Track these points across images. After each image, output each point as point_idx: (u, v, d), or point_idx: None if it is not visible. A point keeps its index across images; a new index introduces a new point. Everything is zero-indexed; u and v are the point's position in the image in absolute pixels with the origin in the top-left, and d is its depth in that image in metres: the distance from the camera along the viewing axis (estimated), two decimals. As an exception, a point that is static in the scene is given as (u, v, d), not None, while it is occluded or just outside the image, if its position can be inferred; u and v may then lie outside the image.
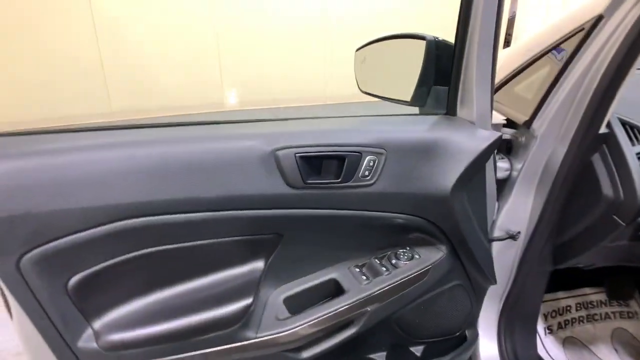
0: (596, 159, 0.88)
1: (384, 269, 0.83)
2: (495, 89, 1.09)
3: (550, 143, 0.90)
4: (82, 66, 3.83)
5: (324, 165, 0.72)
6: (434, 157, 0.77)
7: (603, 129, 0.84)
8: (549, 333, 1.29)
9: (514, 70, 1.00)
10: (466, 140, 0.77)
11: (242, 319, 0.73)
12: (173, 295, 0.70)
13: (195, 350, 0.72)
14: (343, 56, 4.23)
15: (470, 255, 0.87)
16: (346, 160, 0.72)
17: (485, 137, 0.78)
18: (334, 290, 0.82)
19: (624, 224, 0.86)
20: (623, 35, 0.73)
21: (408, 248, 0.86)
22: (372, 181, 0.74)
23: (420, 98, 0.86)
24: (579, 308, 1.36)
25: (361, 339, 0.94)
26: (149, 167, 0.62)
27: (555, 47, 0.85)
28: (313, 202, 0.72)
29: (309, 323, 0.76)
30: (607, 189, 0.87)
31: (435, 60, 0.82)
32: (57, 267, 0.62)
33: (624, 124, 0.89)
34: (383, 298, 0.82)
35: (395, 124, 0.81)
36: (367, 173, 0.73)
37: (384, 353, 0.99)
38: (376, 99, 0.99)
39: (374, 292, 0.80)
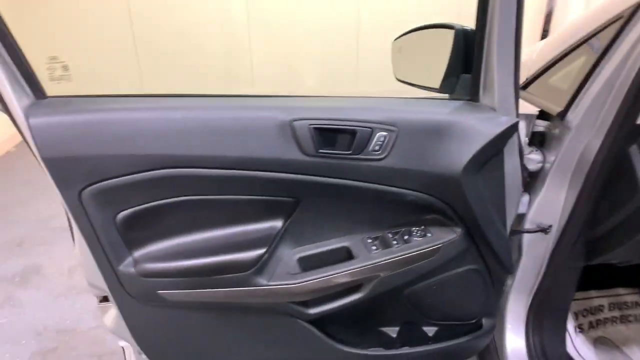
0: (634, 151, 0.89)
1: (395, 242, 0.88)
2: (530, 81, 1.11)
3: (585, 134, 0.90)
4: (117, 56, 4.00)
5: (336, 138, 0.79)
6: (447, 138, 0.81)
7: None
8: (580, 332, 1.28)
9: (548, 62, 1.02)
10: (481, 124, 0.80)
11: (256, 265, 0.83)
12: (199, 239, 0.82)
13: (213, 288, 0.83)
14: (374, 52, 4.24)
15: (485, 239, 0.90)
16: (357, 135, 0.78)
17: (501, 122, 0.81)
18: (346, 257, 0.88)
19: None
20: None
21: (423, 227, 0.90)
22: (382, 156, 0.79)
23: (449, 85, 0.89)
24: (612, 308, 1.34)
25: (375, 311, 0.98)
26: (185, 127, 0.74)
27: (592, 36, 0.86)
28: (325, 170, 0.79)
29: (317, 280, 0.84)
30: None
31: (463, 49, 0.85)
32: (109, 202, 0.76)
33: None
34: (390, 268, 0.87)
35: (410, 105, 0.86)
36: (377, 148, 0.79)
37: (397, 329, 1.03)
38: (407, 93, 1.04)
39: (382, 261, 0.86)
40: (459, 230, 0.89)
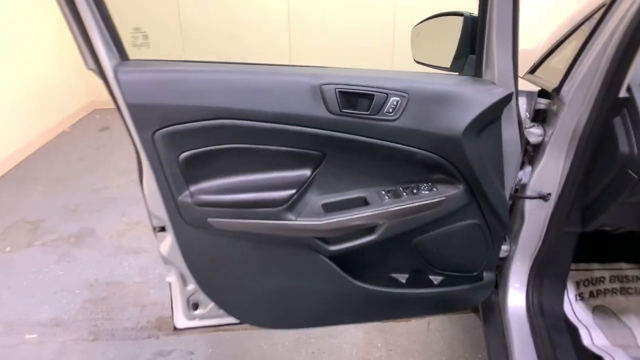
0: (617, 122, 1.02)
1: (405, 194, 1.06)
2: (536, 66, 1.26)
3: (577, 109, 1.04)
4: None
5: (357, 101, 0.97)
6: (451, 104, 0.97)
7: (623, 93, 0.98)
8: (580, 300, 1.41)
9: (550, 48, 1.17)
10: (480, 94, 0.97)
11: (287, 203, 1.02)
12: (242, 179, 1.02)
13: (252, 219, 1.03)
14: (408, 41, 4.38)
15: (484, 196, 1.06)
16: (374, 98, 0.95)
17: (497, 93, 0.97)
18: (363, 205, 1.06)
19: (637, 176, 0.99)
20: (635, 7, 0.88)
21: (430, 184, 1.07)
22: (395, 117, 0.97)
23: (458, 65, 1.06)
24: (613, 280, 1.46)
25: (387, 257, 1.16)
26: (238, 86, 0.94)
27: (583, 22, 1.01)
28: (347, 127, 0.97)
29: (338, 220, 1.03)
30: (623, 146, 1.01)
31: (470, 33, 1.01)
32: (174, 144, 0.95)
33: None
34: (400, 215, 1.05)
35: (420, 77, 1.02)
36: (391, 110, 0.96)
37: (406, 275, 1.21)
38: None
39: (392, 208, 1.04)
40: (461, 186, 1.06)
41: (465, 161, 1.01)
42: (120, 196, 2.95)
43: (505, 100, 0.98)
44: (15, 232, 2.56)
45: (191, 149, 0.97)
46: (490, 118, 1.00)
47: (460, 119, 0.97)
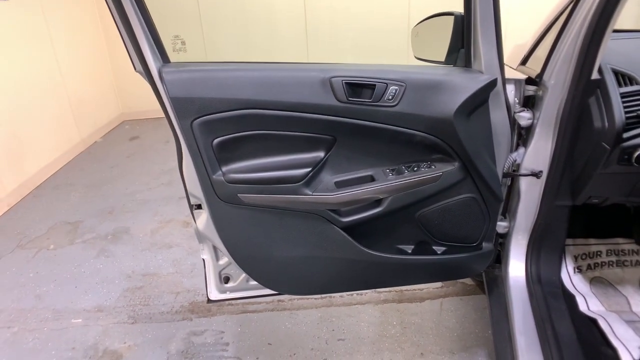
0: (592, 101, 1.20)
1: (406, 172, 1.24)
2: (526, 57, 1.45)
3: (558, 92, 1.22)
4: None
5: (361, 90, 1.16)
6: (443, 91, 1.16)
7: (595, 75, 1.15)
8: (578, 272, 1.56)
9: (535, 40, 1.36)
10: (468, 81, 1.16)
11: (304, 179, 1.21)
12: (266, 160, 1.21)
13: (274, 194, 1.22)
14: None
15: (477, 171, 1.23)
16: (376, 88, 1.15)
17: (482, 80, 1.16)
18: (370, 182, 1.25)
19: (609, 147, 1.16)
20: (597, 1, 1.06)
21: (429, 162, 1.26)
22: (394, 104, 1.16)
23: (451, 58, 1.26)
24: (609, 254, 1.60)
25: (394, 229, 1.35)
26: (261, 81, 1.14)
27: (561, 14, 1.19)
28: (354, 113, 1.16)
29: (347, 193, 1.22)
30: (597, 122, 1.18)
31: (460, 30, 1.21)
32: (209, 131, 1.15)
33: (616, 72, 1.20)
34: (402, 188, 1.23)
35: (415, 69, 1.21)
36: (390, 97, 1.15)
37: (412, 246, 1.39)
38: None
39: (395, 182, 1.22)
40: (456, 163, 1.24)
41: (457, 140, 1.19)
42: (151, 198, 3.22)
43: (490, 85, 1.17)
44: (57, 232, 2.86)
45: (223, 135, 1.17)
46: (478, 101, 1.19)
47: (451, 103, 1.16)
